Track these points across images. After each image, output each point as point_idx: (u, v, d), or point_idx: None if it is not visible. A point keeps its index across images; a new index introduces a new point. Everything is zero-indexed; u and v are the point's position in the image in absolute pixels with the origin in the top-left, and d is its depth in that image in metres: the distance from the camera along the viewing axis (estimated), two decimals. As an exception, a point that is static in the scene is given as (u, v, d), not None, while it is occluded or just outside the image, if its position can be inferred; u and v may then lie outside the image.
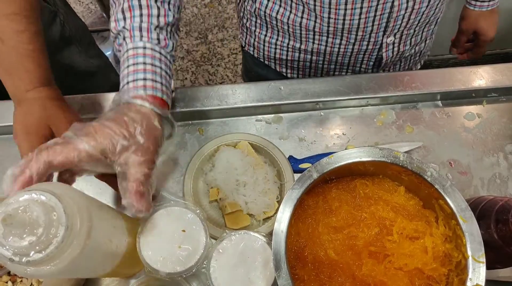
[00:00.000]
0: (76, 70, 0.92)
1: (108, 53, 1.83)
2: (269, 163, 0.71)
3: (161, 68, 0.55)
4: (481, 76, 0.78)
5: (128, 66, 0.53)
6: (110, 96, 0.75)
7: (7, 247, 0.38)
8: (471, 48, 1.02)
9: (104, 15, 1.64)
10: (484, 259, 0.48)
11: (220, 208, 0.68)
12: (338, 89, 0.75)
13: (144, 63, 0.53)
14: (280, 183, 0.69)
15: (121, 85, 0.53)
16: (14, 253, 0.38)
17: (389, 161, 0.52)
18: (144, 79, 0.52)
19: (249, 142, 0.71)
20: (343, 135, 0.75)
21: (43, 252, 0.39)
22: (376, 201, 0.54)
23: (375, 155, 0.52)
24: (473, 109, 0.79)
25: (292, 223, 0.56)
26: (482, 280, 0.47)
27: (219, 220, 0.68)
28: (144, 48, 0.54)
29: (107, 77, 1.07)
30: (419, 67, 0.97)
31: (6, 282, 0.58)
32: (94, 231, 0.44)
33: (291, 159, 0.71)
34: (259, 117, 0.76)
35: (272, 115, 0.76)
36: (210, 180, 0.69)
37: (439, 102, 0.79)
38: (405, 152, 0.73)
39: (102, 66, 1.03)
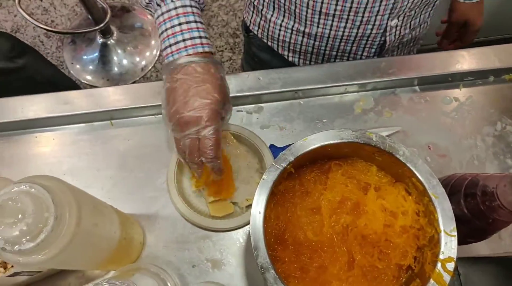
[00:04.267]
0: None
1: (95, 55, 1.84)
2: (251, 152, 0.72)
3: (204, 24, 0.58)
4: (457, 61, 0.80)
5: (180, 24, 0.56)
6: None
7: None
8: (459, 38, 1.04)
9: (90, 17, 1.65)
10: (455, 233, 0.50)
11: (203, 197, 0.70)
12: (316, 77, 0.77)
13: (196, 22, 0.56)
14: (261, 171, 0.71)
15: (173, 41, 0.56)
16: (5, 242, 0.40)
17: (362, 142, 0.54)
18: (200, 37, 0.55)
19: (230, 132, 0.72)
20: (323, 123, 0.77)
21: (34, 241, 0.40)
22: (350, 180, 0.56)
23: (348, 136, 0.54)
24: (450, 93, 0.80)
25: (271, 207, 0.57)
26: (454, 252, 0.49)
27: (204, 208, 0.69)
28: (191, 6, 0.57)
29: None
30: (418, 47, 0.98)
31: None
32: (83, 221, 0.45)
33: (272, 147, 0.73)
34: (240, 107, 0.77)
35: (253, 105, 0.77)
36: (194, 170, 0.70)
37: (417, 87, 0.80)
38: (384, 136, 0.74)
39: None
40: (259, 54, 0.98)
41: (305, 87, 0.76)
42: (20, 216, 0.40)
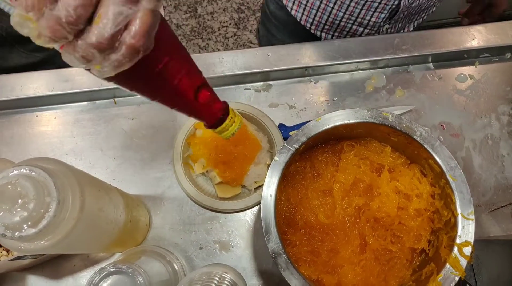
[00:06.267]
0: (12, 67, 0.90)
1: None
2: (260, 132, 0.70)
3: None
4: (473, 36, 0.76)
5: None
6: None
7: None
8: (481, 19, 1.00)
9: None
10: (473, 216, 0.48)
11: (210, 179, 0.68)
12: (327, 54, 0.74)
13: None
14: (271, 152, 0.69)
15: None
16: (6, 228, 0.38)
17: (378, 122, 0.51)
18: None
19: (238, 111, 0.70)
20: (334, 101, 0.74)
21: (36, 227, 0.38)
22: (363, 161, 0.54)
23: (363, 116, 0.51)
24: (465, 70, 0.77)
25: (282, 189, 0.55)
26: (471, 237, 0.47)
27: (211, 189, 0.68)
28: None
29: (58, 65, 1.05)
30: (420, 21, 0.94)
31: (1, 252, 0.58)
32: (87, 205, 0.43)
33: (281, 126, 0.70)
34: (248, 85, 0.75)
35: (261, 83, 0.75)
36: (200, 150, 0.68)
37: (431, 65, 0.77)
38: (396, 115, 0.72)
39: (47, 57, 1.00)
40: (275, 14, 0.95)
41: (315, 64, 0.73)
42: (20, 201, 0.38)
